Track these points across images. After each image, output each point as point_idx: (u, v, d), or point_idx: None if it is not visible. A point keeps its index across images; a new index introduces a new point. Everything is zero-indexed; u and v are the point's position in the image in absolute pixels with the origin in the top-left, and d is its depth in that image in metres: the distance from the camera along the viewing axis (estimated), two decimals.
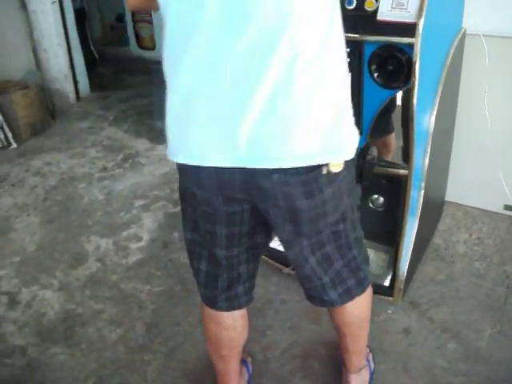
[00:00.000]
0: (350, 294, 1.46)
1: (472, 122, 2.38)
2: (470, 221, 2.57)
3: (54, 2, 3.99)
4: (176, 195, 2.90)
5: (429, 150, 1.85)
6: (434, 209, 2.38)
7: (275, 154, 1.07)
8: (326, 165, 1.11)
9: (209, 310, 1.49)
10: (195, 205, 1.28)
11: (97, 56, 5.12)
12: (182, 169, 1.23)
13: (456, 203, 2.65)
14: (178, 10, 1.05)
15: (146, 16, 5.26)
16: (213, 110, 1.08)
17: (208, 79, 1.06)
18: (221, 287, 1.43)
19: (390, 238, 1.95)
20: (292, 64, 1.00)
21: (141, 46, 5.47)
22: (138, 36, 5.46)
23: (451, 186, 2.57)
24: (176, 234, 2.58)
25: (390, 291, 2.01)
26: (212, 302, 1.47)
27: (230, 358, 1.59)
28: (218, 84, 1.05)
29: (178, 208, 2.74)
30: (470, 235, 2.48)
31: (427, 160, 1.85)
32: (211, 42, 1.03)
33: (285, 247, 1.35)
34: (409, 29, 1.53)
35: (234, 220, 1.27)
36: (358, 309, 1.53)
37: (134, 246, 2.53)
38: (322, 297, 1.45)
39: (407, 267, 1.96)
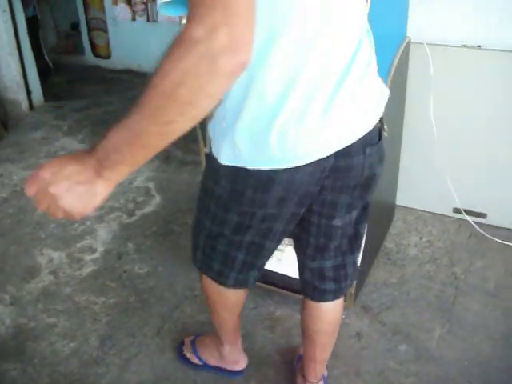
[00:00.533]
0: (343, 290, 1.54)
1: (419, 129, 2.45)
2: (421, 224, 2.64)
3: (4, 11, 3.91)
4: (131, 205, 2.89)
5: None
6: (384, 214, 2.43)
7: (366, 119, 1.19)
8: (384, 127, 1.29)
9: (231, 289, 1.54)
10: (255, 211, 1.25)
11: (51, 65, 5.03)
12: (268, 177, 1.17)
13: (407, 207, 2.72)
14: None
15: (102, 24, 5.22)
16: (320, 106, 1.10)
17: (318, 79, 1.09)
18: (255, 272, 1.48)
19: None
20: (362, 56, 1.16)
21: (96, 55, 5.41)
22: (93, 44, 5.40)
23: (402, 190, 2.64)
24: (131, 245, 2.56)
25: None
26: (243, 283, 1.50)
27: (240, 314, 1.72)
28: (324, 83, 1.09)
29: (133, 218, 2.78)
30: (421, 238, 2.54)
31: None
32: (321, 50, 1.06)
33: (331, 217, 1.34)
34: None
35: (295, 219, 1.32)
36: (335, 315, 1.59)
37: (87, 257, 2.50)
38: (322, 286, 1.50)
39: (358, 273, 1.99)
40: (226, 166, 1.18)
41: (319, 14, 1.02)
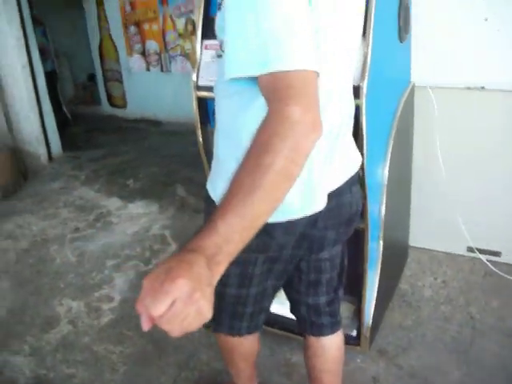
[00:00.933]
0: (338, 324, 1.60)
1: (428, 170, 2.48)
2: (435, 264, 2.64)
3: (23, 67, 4.07)
4: (148, 254, 2.93)
5: (384, 200, 1.92)
6: (397, 256, 2.44)
7: (352, 163, 1.35)
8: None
9: (246, 336, 1.56)
10: (257, 256, 1.32)
11: (69, 116, 5.19)
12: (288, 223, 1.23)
13: (421, 248, 2.72)
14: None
15: (117, 75, 5.39)
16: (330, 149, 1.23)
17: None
18: (264, 314, 1.53)
19: (353, 288, 1.99)
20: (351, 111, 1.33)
21: (112, 105, 5.58)
22: (109, 95, 5.58)
23: (414, 231, 2.65)
24: None
25: (357, 340, 2.04)
26: (256, 328, 1.54)
27: (254, 361, 1.76)
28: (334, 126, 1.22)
29: (150, 266, 2.82)
30: (436, 279, 2.54)
31: (383, 211, 1.92)
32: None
33: (319, 251, 1.42)
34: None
35: (294, 259, 1.40)
36: (337, 351, 1.64)
37: (105, 306, 2.54)
38: (319, 321, 1.56)
39: (372, 316, 2.00)
40: None
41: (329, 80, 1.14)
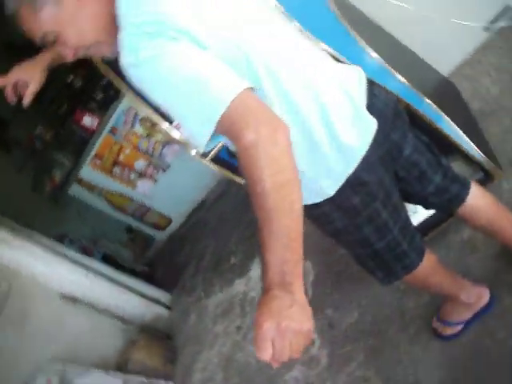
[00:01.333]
0: (466, 181, 1.67)
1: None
2: (479, 65, 2.58)
3: (86, 276, 4.24)
4: None
5: (394, 71, 1.91)
6: (446, 92, 2.43)
7: (353, 73, 1.41)
8: None
9: (429, 257, 1.61)
10: (375, 207, 1.40)
11: (146, 269, 5.38)
12: (367, 162, 1.32)
13: (454, 69, 2.66)
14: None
15: (144, 208, 5.56)
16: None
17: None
18: (417, 236, 1.59)
19: (446, 147, 1.94)
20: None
21: (162, 229, 5.74)
22: (154, 225, 5.75)
23: (437, 63, 2.58)
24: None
25: (489, 176, 2.05)
26: (422, 251, 1.59)
27: (443, 265, 1.72)
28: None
29: None
30: (489, 74, 2.47)
31: (401, 78, 1.90)
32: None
33: (401, 152, 1.49)
34: None
35: (394, 179, 1.50)
36: (486, 197, 1.71)
37: (313, 352, 2.61)
38: (451, 194, 1.63)
39: (478, 148, 1.98)
40: (327, 201, 1.36)
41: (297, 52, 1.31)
